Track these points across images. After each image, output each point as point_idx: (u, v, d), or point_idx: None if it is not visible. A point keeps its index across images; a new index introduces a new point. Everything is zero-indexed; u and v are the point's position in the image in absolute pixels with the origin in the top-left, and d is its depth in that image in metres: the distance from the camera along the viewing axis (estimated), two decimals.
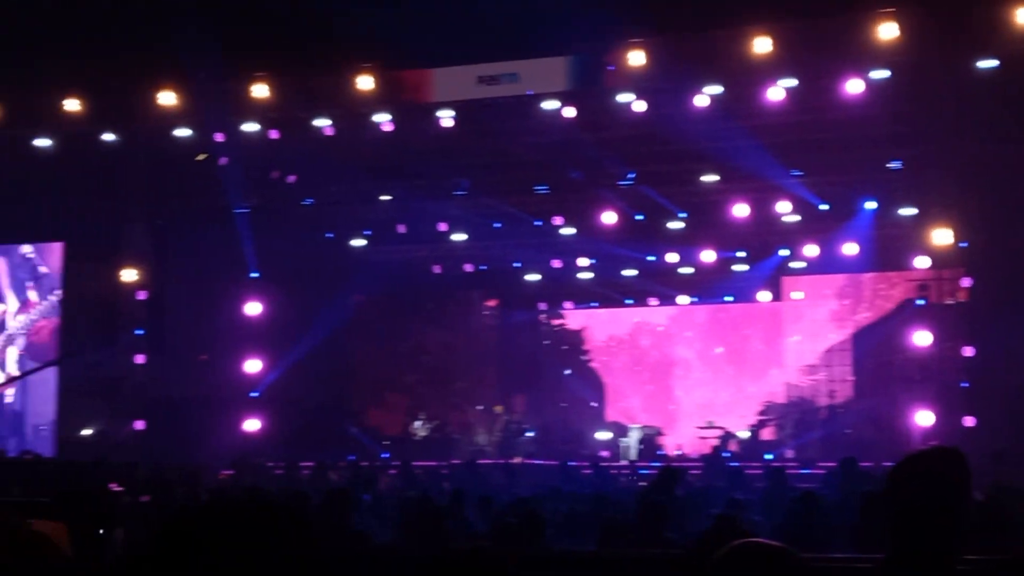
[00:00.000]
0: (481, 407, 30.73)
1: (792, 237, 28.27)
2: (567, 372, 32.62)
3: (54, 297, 27.84)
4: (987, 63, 20.54)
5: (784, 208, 26.54)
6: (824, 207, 26.14)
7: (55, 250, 27.92)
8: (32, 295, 28.17)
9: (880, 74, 21.22)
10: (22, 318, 28.23)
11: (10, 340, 28.27)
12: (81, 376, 27.04)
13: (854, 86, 21.49)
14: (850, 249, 27.32)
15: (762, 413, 28.28)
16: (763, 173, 24.24)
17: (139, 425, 26.22)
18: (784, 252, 29.23)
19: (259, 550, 2.32)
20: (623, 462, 25.82)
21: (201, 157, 26.05)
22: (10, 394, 27.92)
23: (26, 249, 28.08)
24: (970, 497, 4.20)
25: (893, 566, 4.13)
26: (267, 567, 2.31)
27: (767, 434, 27.13)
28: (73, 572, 2.20)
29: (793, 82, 21.83)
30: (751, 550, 3.76)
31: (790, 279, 30.53)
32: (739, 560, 3.72)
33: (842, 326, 30.25)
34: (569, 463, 23.59)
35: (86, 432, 27.85)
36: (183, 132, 25.33)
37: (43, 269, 27.93)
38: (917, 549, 4.08)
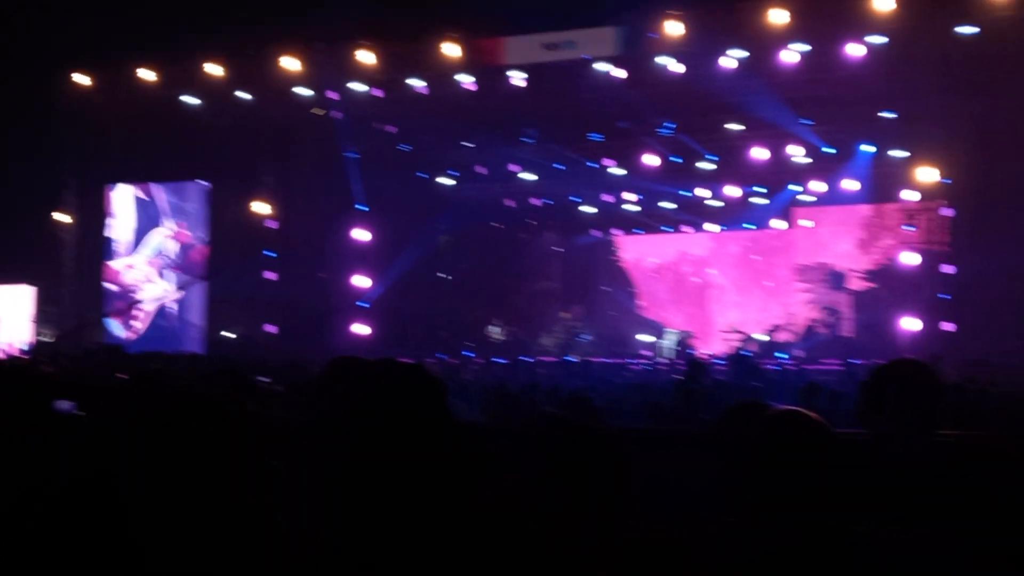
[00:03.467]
0: (546, 315, 30.99)
1: (803, 175, 28.22)
2: (613, 289, 32.81)
3: (202, 232, 28.17)
4: (967, 29, 20.28)
5: (796, 151, 26.53)
6: (829, 150, 26.06)
7: (203, 188, 28.27)
8: (183, 225, 28.47)
9: (878, 39, 21.00)
10: (174, 245, 28.54)
11: (169, 262, 28.62)
12: (226, 290, 27.58)
13: (856, 50, 21.31)
14: (851, 185, 27.21)
15: (779, 322, 28.27)
16: (779, 122, 24.19)
17: (272, 329, 26.79)
18: (796, 187, 29.16)
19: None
20: (662, 360, 25.97)
21: (318, 111, 26.31)
22: (172, 302, 28.44)
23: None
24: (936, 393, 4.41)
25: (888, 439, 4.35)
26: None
27: (781, 337, 27.16)
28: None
29: (805, 47, 21.68)
30: (758, 404, 3.76)
31: (800, 210, 30.41)
32: (748, 410, 3.71)
33: (867, 252, 29.81)
34: (614, 360, 23.82)
35: (229, 335, 28.42)
36: (304, 91, 25.60)
37: (189, 206, 28.30)
38: (903, 428, 4.29)
